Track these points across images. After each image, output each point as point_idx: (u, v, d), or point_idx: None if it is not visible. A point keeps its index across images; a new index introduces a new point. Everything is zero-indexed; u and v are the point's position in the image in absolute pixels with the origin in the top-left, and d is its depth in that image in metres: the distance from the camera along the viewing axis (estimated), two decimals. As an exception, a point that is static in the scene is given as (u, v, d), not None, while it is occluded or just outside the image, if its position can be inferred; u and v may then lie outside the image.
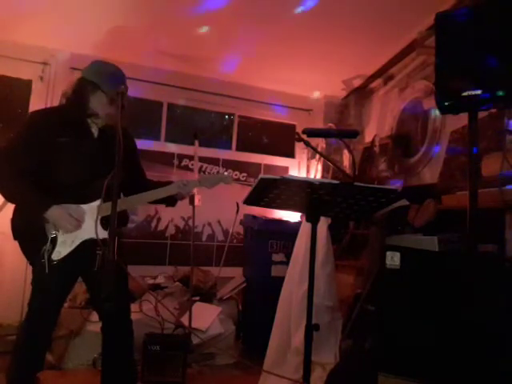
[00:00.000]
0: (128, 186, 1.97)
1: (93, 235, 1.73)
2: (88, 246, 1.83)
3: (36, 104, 3.62)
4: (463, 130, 2.64)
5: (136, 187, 2.04)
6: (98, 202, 1.82)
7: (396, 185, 3.23)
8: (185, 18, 3.08)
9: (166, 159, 4.10)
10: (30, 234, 1.82)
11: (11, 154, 1.83)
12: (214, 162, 4.24)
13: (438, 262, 1.95)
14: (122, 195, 2.00)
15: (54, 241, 1.80)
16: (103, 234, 1.69)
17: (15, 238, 1.85)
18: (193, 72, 3.99)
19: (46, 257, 1.76)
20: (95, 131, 1.96)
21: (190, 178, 3.53)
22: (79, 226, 1.81)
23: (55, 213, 1.76)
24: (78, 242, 1.83)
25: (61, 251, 1.79)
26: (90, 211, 1.84)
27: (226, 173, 2.20)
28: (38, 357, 1.93)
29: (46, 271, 1.75)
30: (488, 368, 1.64)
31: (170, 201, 2.16)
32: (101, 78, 1.89)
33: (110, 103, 1.88)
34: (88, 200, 1.84)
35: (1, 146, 1.88)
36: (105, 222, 1.75)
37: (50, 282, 1.81)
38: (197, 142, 3.16)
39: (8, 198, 1.85)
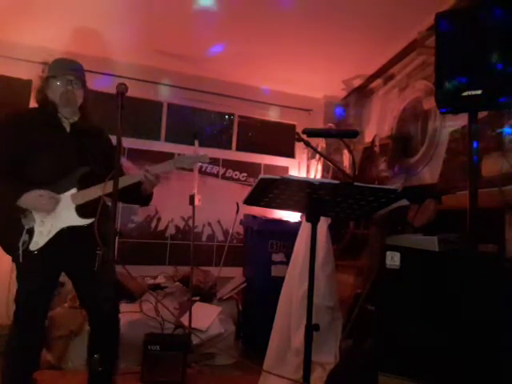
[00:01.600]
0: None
1: (69, 224, 1.85)
2: (65, 235, 1.87)
3: (36, 104, 3.61)
4: (463, 130, 2.64)
5: None
6: (72, 191, 1.89)
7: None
8: (185, 17, 3.09)
9: (165, 159, 4.06)
10: (7, 228, 1.86)
11: None
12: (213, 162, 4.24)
13: (438, 261, 1.95)
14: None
15: (31, 232, 1.84)
16: (80, 221, 1.86)
17: None
18: (193, 72, 3.99)
19: (21, 248, 1.80)
20: (67, 126, 2.01)
21: (189, 177, 3.54)
22: (57, 203, 1.85)
23: (28, 198, 1.80)
24: (54, 232, 1.86)
25: (38, 241, 1.84)
26: (65, 201, 1.89)
27: (201, 153, 2.20)
28: (33, 356, 1.93)
29: (20, 260, 1.80)
30: (488, 368, 1.64)
31: (142, 199, 2.10)
32: (50, 68, 2.02)
33: (61, 85, 1.97)
34: (62, 190, 1.89)
35: None
36: (80, 209, 1.87)
37: (32, 273, 1.84)
38: (197, 142, 3.16)
39: None
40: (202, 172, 4.12)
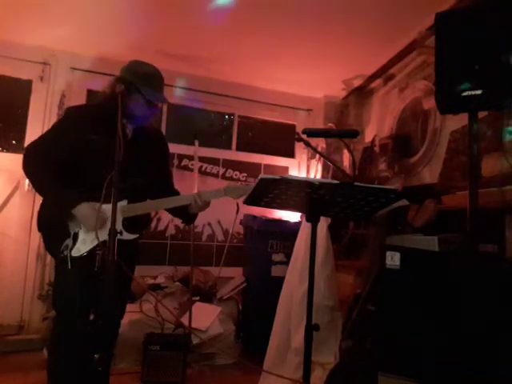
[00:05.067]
0: (153, 190, 1.97)
1: None
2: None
3: (36, 104, 3.62)
4: (463, 130, 2.64)
5: (160, 192, 2.01)
6: (122, 203, 1.81)
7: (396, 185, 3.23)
8: (185, 17, 3.09)
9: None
10: (54, 228, 1.81)
11: (41, 147, 1.83)
12: (214, 162, 4.24)
13: (438, 262, 1.94)
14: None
15: (76, 238, 1.79)
16: (125, 235, 1.76)
17: (39, 230, 1.86)
18: (193, 72, 3.99)
19: (67, 253, 1.75)
20: (130, 132, 1.93)
21: (189, 177, 3.53)
22: (101, 228, 1.72)
23: (83, 210, 1.74)
24: (97, 242, 1.81)
25: (80, 248, 1.78)
26: None
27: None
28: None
29: (69, 266, 1.73)
30: (487, 368, 1.64)
31: (187, 217, 2.10)
32: (139, 78, 1.88)
33: (147, 104, 1.89)
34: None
35: (35, 139, 1.88)
36: (127, 223, 1.79)
37: (71, 277, 1.77)
38: (197, 142, 3.16)
39: (38, 191, 1.86)
40: (202, 172, 4.12)
